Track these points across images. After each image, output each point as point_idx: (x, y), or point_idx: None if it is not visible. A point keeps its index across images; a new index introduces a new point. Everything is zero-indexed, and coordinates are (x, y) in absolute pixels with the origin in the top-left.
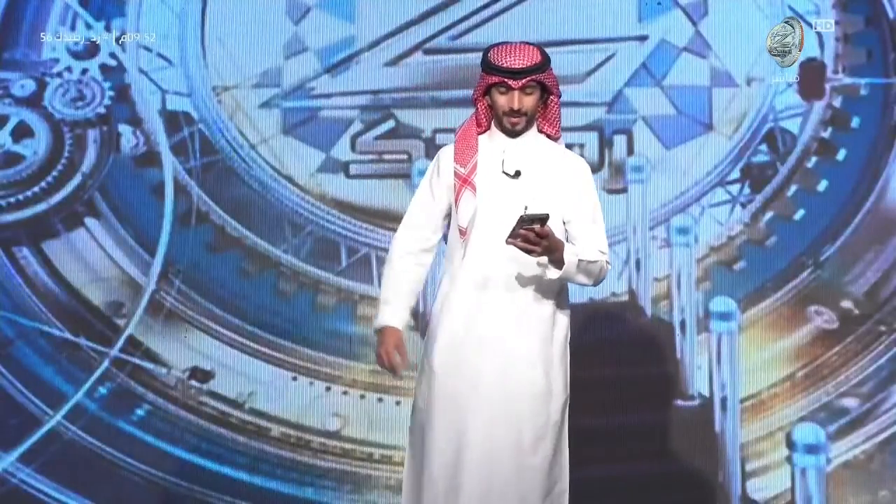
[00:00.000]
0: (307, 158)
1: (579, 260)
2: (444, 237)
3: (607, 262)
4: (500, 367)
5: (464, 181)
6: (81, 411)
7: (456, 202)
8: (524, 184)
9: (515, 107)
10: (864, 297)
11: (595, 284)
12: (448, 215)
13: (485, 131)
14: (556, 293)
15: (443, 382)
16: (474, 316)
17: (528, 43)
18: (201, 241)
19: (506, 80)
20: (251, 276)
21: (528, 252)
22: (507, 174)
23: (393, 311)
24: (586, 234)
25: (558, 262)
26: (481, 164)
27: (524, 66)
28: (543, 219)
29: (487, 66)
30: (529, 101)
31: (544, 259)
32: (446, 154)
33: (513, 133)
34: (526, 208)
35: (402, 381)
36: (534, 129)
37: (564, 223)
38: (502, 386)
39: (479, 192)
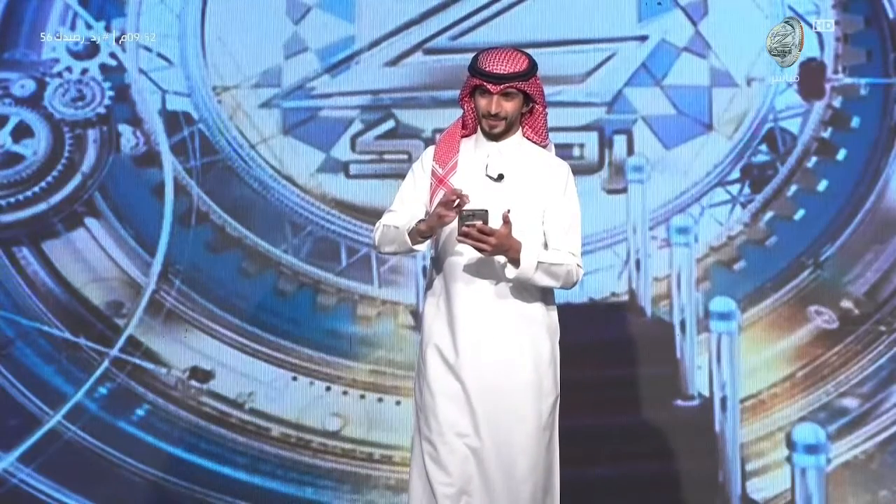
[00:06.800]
0: (307, 158)
1: (539, 262)
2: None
3: (578, 265)
4: (492, 367)
5: (440, 181)
6: (81, 411)
7: (431, 202)
8: (505, 187)
9: (493, 111)
10: (864, 297)
11: (566, 287)
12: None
13: (470, 134)
14: (543, 293)
15: (436, 385)
16: (463, 319)
17: (519, 50)
18: (201, 241)
19: (485, 83)
20: (251, 276)
21: (479, 250)
22: (490, 177)
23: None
24: (558, 237)
25: (515, 262)
26: (461, 166)
27: (505, 73)
28: (481, 214)
29: (472, 69)
30: (509, 107)
31: (502, 258)
32: (428, 153)
33: (492, 136)
34: (467, 209)
35: (403, 380)
36: (518, 134)
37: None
38: (494, 386)
39: None
